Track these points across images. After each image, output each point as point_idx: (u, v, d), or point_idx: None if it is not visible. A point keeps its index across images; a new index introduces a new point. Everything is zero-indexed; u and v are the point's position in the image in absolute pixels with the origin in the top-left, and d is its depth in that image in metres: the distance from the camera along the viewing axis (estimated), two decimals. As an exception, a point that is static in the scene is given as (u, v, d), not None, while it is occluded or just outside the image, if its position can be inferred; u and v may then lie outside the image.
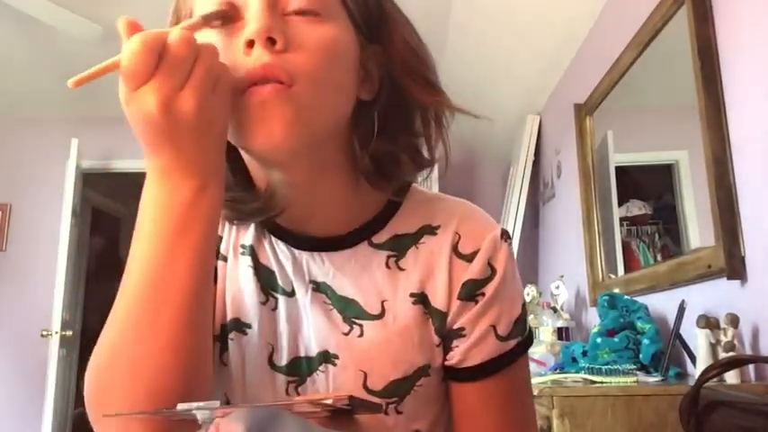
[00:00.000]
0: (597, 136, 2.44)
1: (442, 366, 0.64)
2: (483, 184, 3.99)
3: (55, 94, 3.73)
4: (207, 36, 0.55)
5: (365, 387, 0.61)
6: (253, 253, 0.65)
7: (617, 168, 2.30)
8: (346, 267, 0.63)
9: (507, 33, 2.80)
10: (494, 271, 0.63)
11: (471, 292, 0.62)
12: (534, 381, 1.52)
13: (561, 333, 2.29)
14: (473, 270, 0.62)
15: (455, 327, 0.63)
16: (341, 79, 0.57)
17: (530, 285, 2.71)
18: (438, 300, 0.63)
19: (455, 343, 0.63)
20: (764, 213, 1.35)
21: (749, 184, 1.41)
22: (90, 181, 4.05)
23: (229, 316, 0.64)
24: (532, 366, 1.98)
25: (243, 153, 0.60)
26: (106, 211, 4.78)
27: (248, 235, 0.66)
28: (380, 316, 0.62)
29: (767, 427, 0.78)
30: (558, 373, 1.66)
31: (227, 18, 0.55)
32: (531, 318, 2.56)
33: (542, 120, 3.18)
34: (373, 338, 0.62)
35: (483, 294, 0.62)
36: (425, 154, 0.64)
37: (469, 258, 0.63)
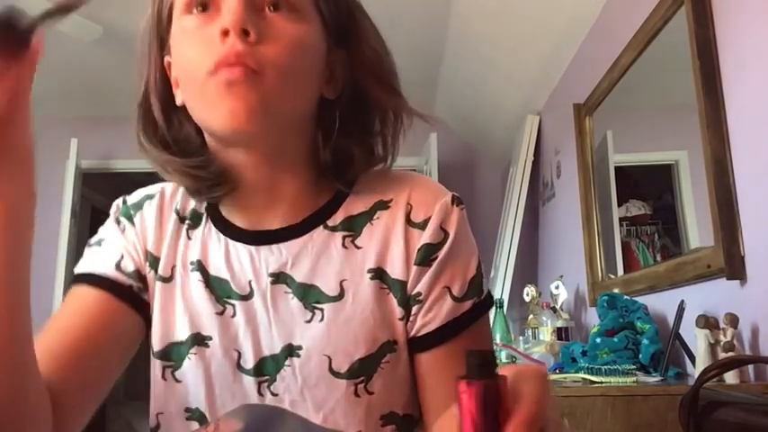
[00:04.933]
0: (597, 136, 2.44)
1: (407, 343, 0.65)
2: (483, 184, 3.99)
3: (55, 93, 3.73)
4: (186, 22, 0.59)
5: (331, 371, 0.62)
6: (201, 267, 0.66)
7: (616, 168, 2.30)
8: (303, 253, 0.65)
9: (507, 33, 2.80)
10: (446, 234, 0.65)
11: (427, 256, 0.64)
12: (534, 381, 1.51)
13: (561, 333, 2.29)
14: (426, 235, 0.64)
15: (413, 293, 0.64)
16: (306, 74, 0.61)
17: (529, 285, 2.71)
18: (396, 270, 0.64)
19: (414, 310, 0.64)
20: (764, 213, 1.35)
21: (749, 183, 1.41)
22: (90, 181, 4.05)
23: (189, 332, 0.64)
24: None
25: (205, 135, 0.63)
26: (106, 211, 4.71)
27: (195, 249, 0.67)
28: (340, 297, 0.63)
29: (766, 428, 0.78)
30: (558, 374, 1.66)
31: (206, 6, 0.58)
32: (530, 318, 2.55)
33: (542, 120, 3.18)
34: (333, 320, 0.63)
35: (437, 257, 0.64)
36: (381, 152, 0.69)
37: (422, 226, 0.65)
